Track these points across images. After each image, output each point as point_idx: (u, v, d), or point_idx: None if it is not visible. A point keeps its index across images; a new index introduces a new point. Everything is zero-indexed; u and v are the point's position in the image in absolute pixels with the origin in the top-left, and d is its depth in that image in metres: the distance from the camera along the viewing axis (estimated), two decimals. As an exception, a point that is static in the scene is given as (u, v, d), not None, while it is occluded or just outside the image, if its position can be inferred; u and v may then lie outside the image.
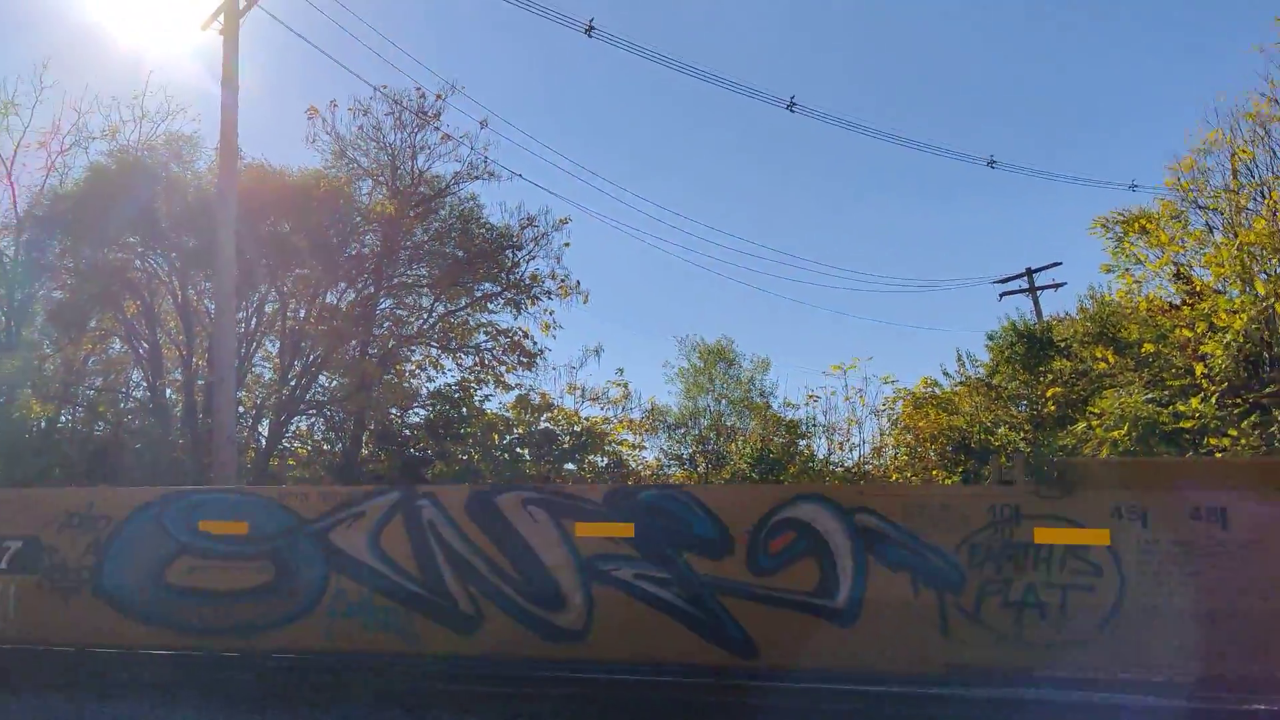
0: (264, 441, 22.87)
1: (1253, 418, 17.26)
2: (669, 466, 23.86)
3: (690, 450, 24.91)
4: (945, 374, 25.59)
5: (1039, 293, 32.56)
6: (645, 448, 23.67)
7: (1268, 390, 18.00)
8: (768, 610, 9.57)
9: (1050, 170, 59.01)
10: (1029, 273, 32.76)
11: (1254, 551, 8.62)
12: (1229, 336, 17.87)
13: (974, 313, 74.79)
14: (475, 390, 23.69)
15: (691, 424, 26.33)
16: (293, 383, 23.04)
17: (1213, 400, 17.54)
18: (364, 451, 23.59)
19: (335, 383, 24.08)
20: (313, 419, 25.08)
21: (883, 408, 22.75)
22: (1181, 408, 17.55)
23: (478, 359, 24.27)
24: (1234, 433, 16.88)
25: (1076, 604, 8.99)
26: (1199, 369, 18.33)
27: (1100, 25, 76.50)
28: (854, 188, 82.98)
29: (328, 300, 23.78)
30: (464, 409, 22.89)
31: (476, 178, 24.16)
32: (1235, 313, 17.85)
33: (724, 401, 28.18)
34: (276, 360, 23.67)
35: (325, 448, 24.34)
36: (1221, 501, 8.77)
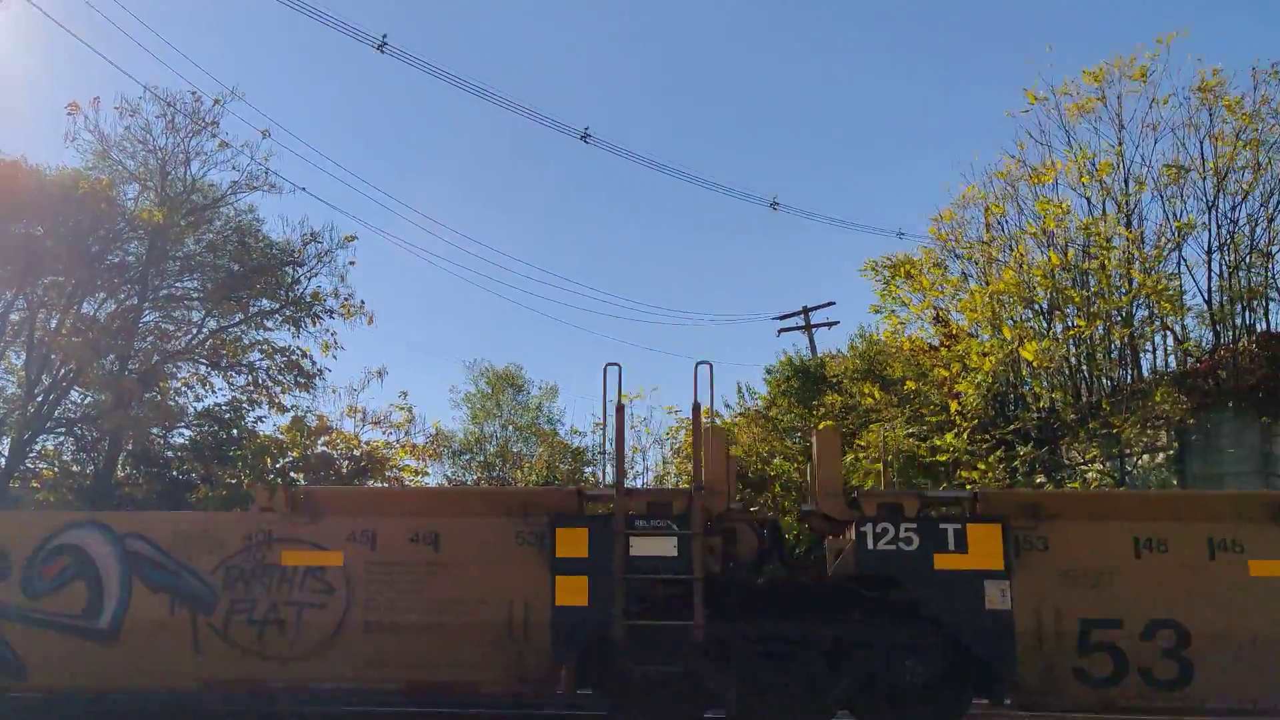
0: (2, 460, 20.85)
1: (998, 452, 18.71)
2: (452, 493, 23.47)
3: (475, 476, 24.57)
4: (726, 406, 26.42)
5: (814, 330, 34.20)
6: (429, 473, 23.17)
7: (1011, 427, 19.60)
8: (37, 632, 9.84)
9: (828, 213, 62.28)
10: (805, 311, 34.35)
11: (459, 570, 9.42)
12: (979, 377, 19.33)
13: (756, 347, 77.74)
14: (247, 411, 22.50)
15: (477, 449, 26.02)
16: (40, 398, 21.14)
17: (964, 435, 18.88)
18: (120, 473, 21.90)
19: (89, 399, 22.27)
20: (62, 438, 23.09)
21: (666, 436, 23.21)
22: (938, 442, 18.81)
23: (251, 378, 23.05)
24: (982, 466, 18.23)
25: (310, 620, 9.64)
26: (953, 406, 19.72)
27: (885, 76, 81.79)
28: (648, 220, 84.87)
29: (84, 310, 22.01)
30: (234, 430, 21.67)
31: (256, 189, 22.99)
32: (985, 355, 19.33)
33: (511, 427, 28.05)
34: (22, 373, 21.67)
35: (75, 469, 22.44)
36: (437, 527, 9.50)
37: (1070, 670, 8.35)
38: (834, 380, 25.35)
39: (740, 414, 25.91)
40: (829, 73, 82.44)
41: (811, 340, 33.40)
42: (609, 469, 23.66)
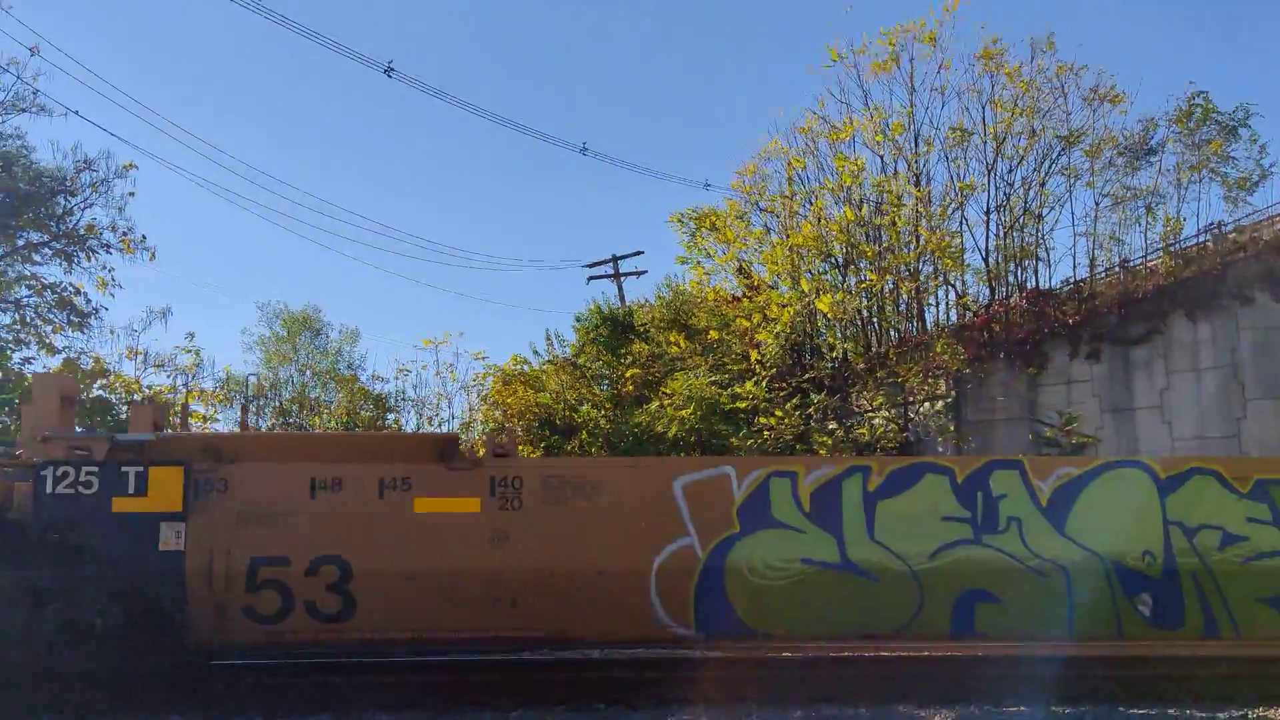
0: None
1: (795, 400, 19.50)
2: (246, 440, 22.45)
3: (270, 422, 23.63)
4: (535, 352, 26.34)
5: (623, 279, 34.54)
6: (219, 420, 22.09)
7: (807, 376, 20.47)
8: None
9: (637, 162, 62.79)
10: (615, 259, 34.61)
11: None
12: (778, 327, 20.04)
13: (565, 294, 77.84)
14: (12, 351, 20.75)
15: (272, 395, 24.99)
16: None
17: (763, 384, 19.56)
18: None
19: None
20: None
21: (473, 383, 22.98)
22: (738, 390, 19.40)
23: (18, 316, 21.27)
24: (779, 413, 18.95)
25: None
26: (754, 355, 20.39)
27: (695, 32, 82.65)
28: (453, 162, 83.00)
29: None
30: (-1, 373, 19.96)
31: (23, 110, 21.13)
32: (784, 306, 20.04)
33: (309, 372, 27.07)
34: None
35: None
36: None
37: (240, 609, 8.59)
38: (641, 329, 25.66)
39: (549, 361, 25.91)
40: (642, 23, 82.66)
41: (620, 289, 33.73)
42: (414, 414, 23.31)
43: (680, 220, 23.84)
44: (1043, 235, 21.14)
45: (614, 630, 9.08)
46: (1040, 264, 21.30)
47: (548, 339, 26.96)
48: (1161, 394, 18.35)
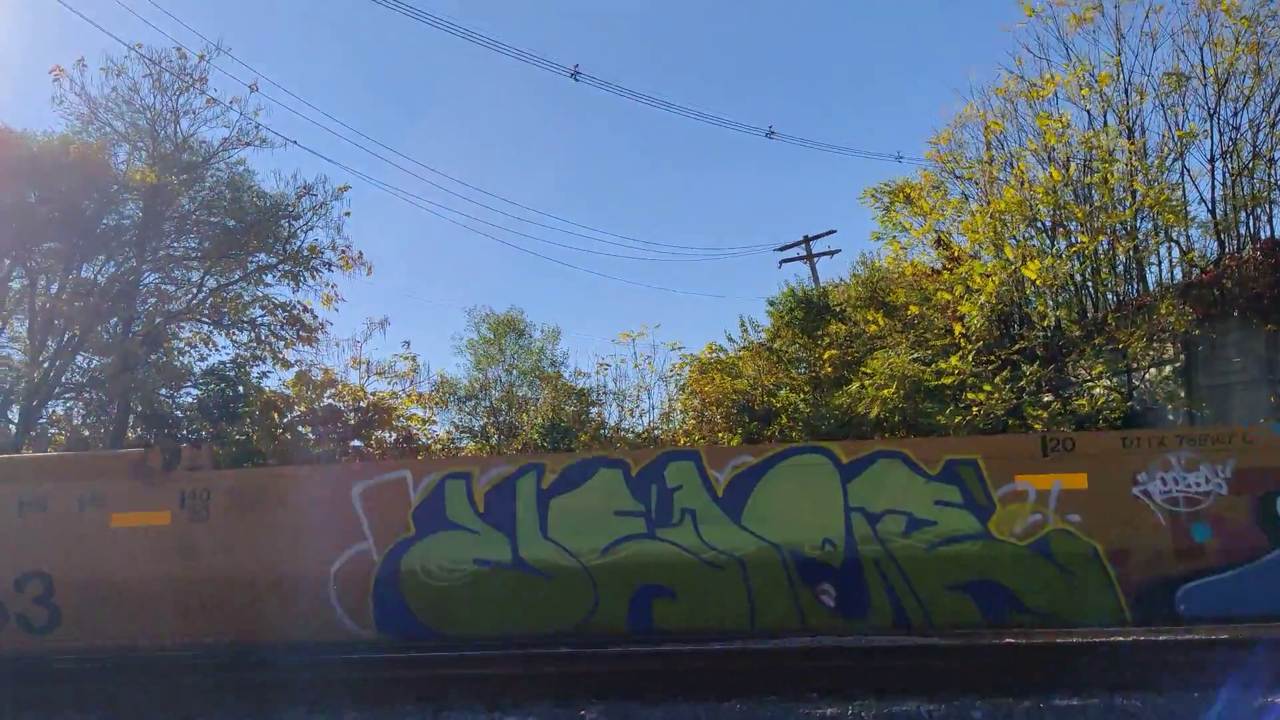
0: (14, 429, 20.97)
1: (1004, 373, 18.65)
2: (460, 439, 23.53)
3: (482, 422, 24.64)
4: (729, 339, 26.42)
5: (816, 259, 34.06)
6: (435, 421, 23.25)
7: (1017, 347, 19.52)
8: None
9: (825, 140, 61.64)
10: (806, 240, 34.17)
11: None
12: (982, 298, 19.19)
13: (757, 280, 77.47)
14: (252, 368, 22.54)
15: (482, 396, 26.04)
16: (46, 364, 21.18)
17: (969, 358, 18.80)
18: (130, 435, 22.02)
19: (95, 363, 22.31)
20: (71, 403, 23.20)
21: (670, 374, 23.21)
22: (942, 365, 18.73)
23: (254, 335, 23.06)
24: (988, 387, 18.17)
25: None
26: (957, 329, 19.62)
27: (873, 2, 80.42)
28: (640, 157, 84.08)
29: (83, 275, 21.95)
30: (240, 387, 21.74)
31: (247, 144, 22.84)
32: (988, 276, 19.17)
33: (515, 372, 28.03)
34: (26, 341, 21.71)
35: (85, 434, 22.57)
36: None
37: None
38: (837, 309, 25.22)
39: (744, 348, 25.86)
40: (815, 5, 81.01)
41: (814, 270, 33.29)
42: (615, 407, 23.77)
43: (874, 195, 23.26)
44: (1276, 180, 19.33)
45: (298, 633, 9.16)
46: (1275, 212, 19.50)
47: (742, 325, 26.94)
48: None
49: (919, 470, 8.93)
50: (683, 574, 8.92)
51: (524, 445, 21.09)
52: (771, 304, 27.70)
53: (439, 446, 22.58)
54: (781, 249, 34.80)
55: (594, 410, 22.57)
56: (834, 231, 34.81)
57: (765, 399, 22.22)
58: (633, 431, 22.54)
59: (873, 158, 62.36)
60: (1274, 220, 19.53)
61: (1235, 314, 18.03)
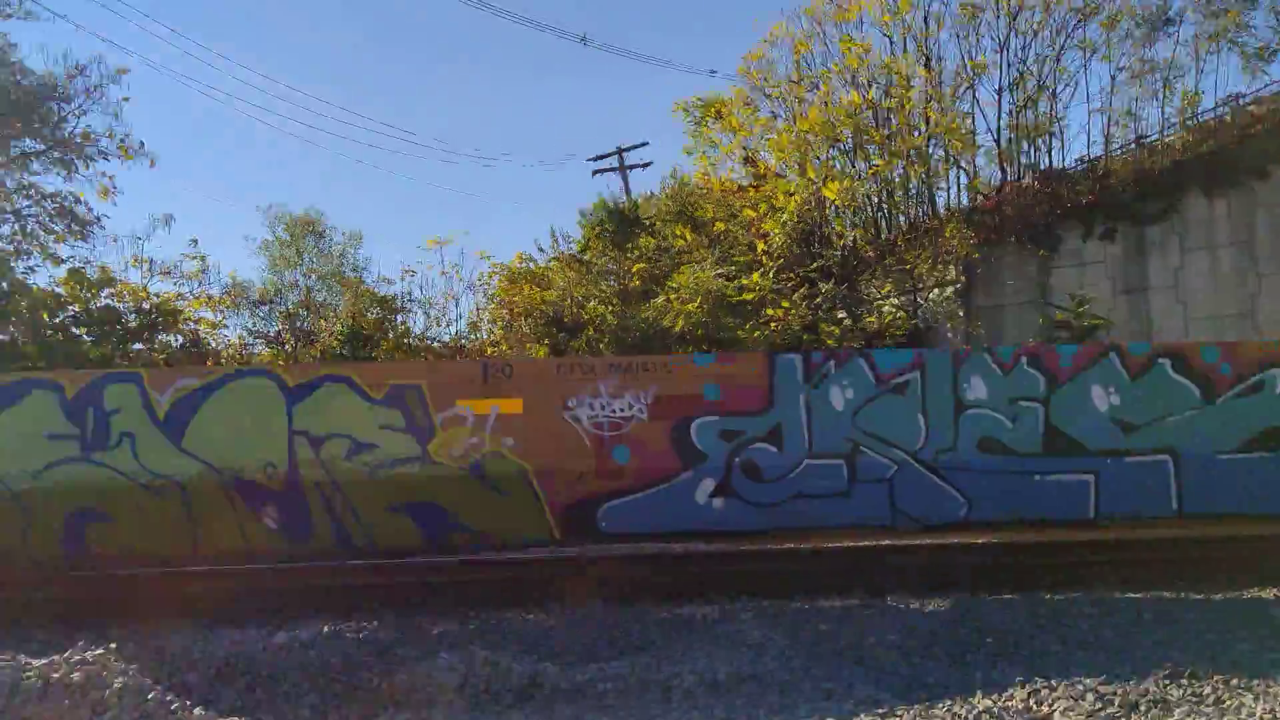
0: None
1: (802, 290, 19.29)
2: (254, 345, 22.44)
3: (278, 328, 23.57)
4: (540, 250, 26.11)
5: (628, 171, 33.95)
6: (226, 326, 22.06)
7: (815, 265, 20.21)
8: None
9: (640, 51, 61.23)
10: (619, 151, 33.96)
11: None
12: (785, 216, 19.70)
13: (571, 191, 76.94)
14: (16, 263, 20.61)
15: (278, 300, 24.87)
16: None
17: (770, 275, 19.32)
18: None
19: None
20: None
21: (479, 283, 22.80)
22: (745, 281, 19.19)
23: (18, 226, 21.07)
24: (786, 304, 18.78)
25: None
26: (760, 246, 20.11)
27: (688, -87, 79.56)
28: (450, 60, 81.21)
29: None
30: (4, 283, 19.86)
31: (10, 16, 20.54)
32: (791, 195, 19.66)
33: (313, 276, 26.90)
34: None
35: None
36: None
37: None
38: (648, 222, 25.34)
39: (555, 258, 25.67)
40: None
41: (626, 182, 33.20)
42: (421, 316, 23.20)
43: (685, 109, 23.33)
44: (1057, 113, 20.58)
45: None
46: (1054, 143, 20.80)
47: (553, 236, 26.69)
48: (1176, 274, 18.09)
49: (364, 395, 9.05)
50: (120, 499, 8.78)
51: (323, 352, 20.33)
52: (583, 215, 27.55)
53: (230, 352, 21.47)
54: (595, 159, 34.52)
55: (399, 318, 21.95)
56: (646, 144, 34.89)
57: (574, 311, 22.20)
58: (439, 341, 22.10)
59: (690, 73, 62.48)
60: (1053, 151, 20.85)
61: (1012, 239, 19.24)
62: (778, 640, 6.71)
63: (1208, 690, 4.95)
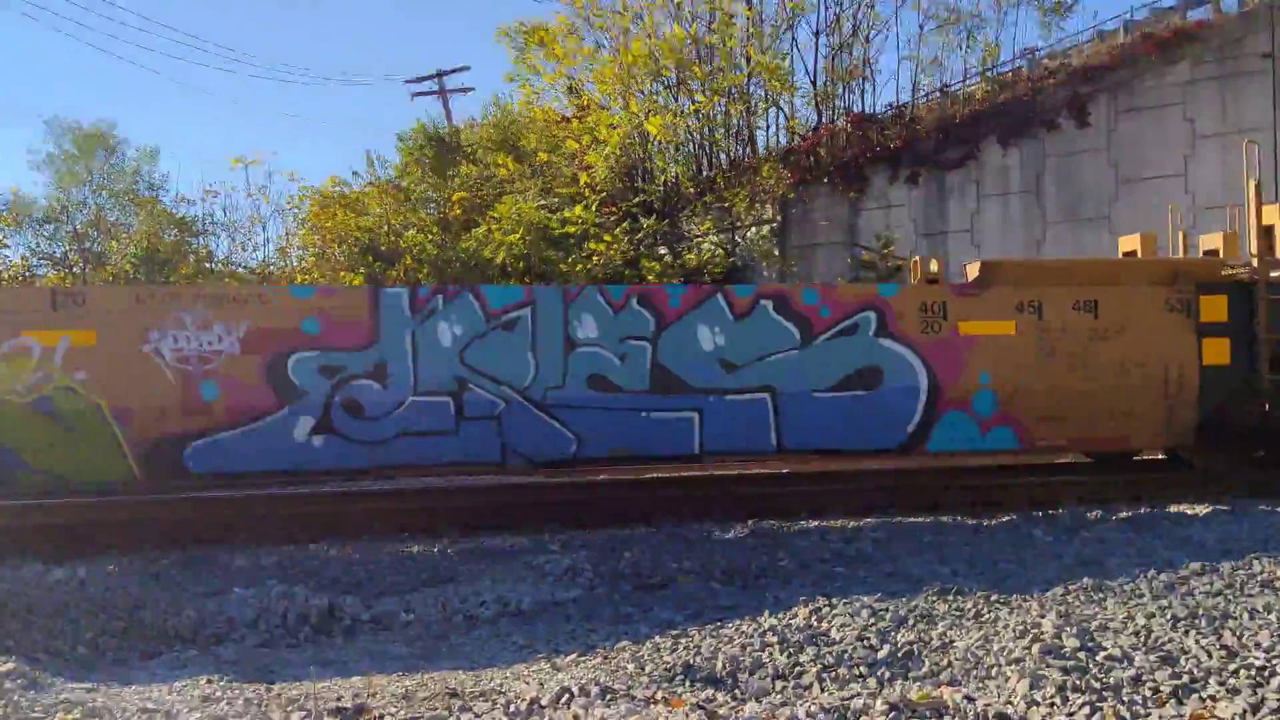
0: None
1: (624, 225, 19.38)
2: (39, 267, 20.83)
3: (64, 248, 21.93)
4: (355, 174, 25.19)
5: (449, 96, 33.02)
6: (7, 245, 20.36)
7: (637, 200, 20.31)
8: None
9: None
10: (440, 75, 32.98)
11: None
12: (608, 149, 19.66)
13: (389, 114, 74.28)
14: None
15: (65, 218, 23.08)
16: None
17: (593, 208, 19.30)
18: None
19: None
20: None
21: (289, 206, 21.82)
22: (567, 214, 19.10)
23: None
24: (609, 238, 18.84)
25: None
26: (583, 178, 20.03)
27: None
28: (267, -34, 76.38)
29: None
30: None
31: None
32: (614, 128, 19.61)
33: (104, 194, 25.06)
34: None
35: None
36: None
37: None
38: (469, 150, 24.80)
39: (371, 184, 24.83)
40: None
41: (446, 107, 32.28)
42: (225, 240, 22.01)
43: (508, 35, 22.81)
44: (869, 58, 21.26)
45: None
46: (866, 88, 21.52)
47: (369, 160, 25.79)
48: (972, 217, 19.14)
49: None
50: None
51: (114, 275, 19.07)
52: (401, 140, 26.69)
53: (12, 273, 19.88)
54: (414, 80, 33.40)
55: (199, 241, 20.80)
56: (468, 68, 33.95)
57: (391, 239, 21.59)
58: (245, 266, 21.12)
59: (516, -5, 60.83)
60: (865, 95, 21.55)
61: (826, 181, 19.87)
62: (585, 569, 6.84)
63: (969, 605, 5.37)
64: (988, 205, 19.02)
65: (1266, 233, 9.79)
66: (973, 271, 9.54)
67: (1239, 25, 17.64)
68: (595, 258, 18.54)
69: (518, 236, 19.10)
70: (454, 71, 32.94)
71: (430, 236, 21.44)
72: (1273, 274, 9.31)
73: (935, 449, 9.15)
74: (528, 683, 4.58)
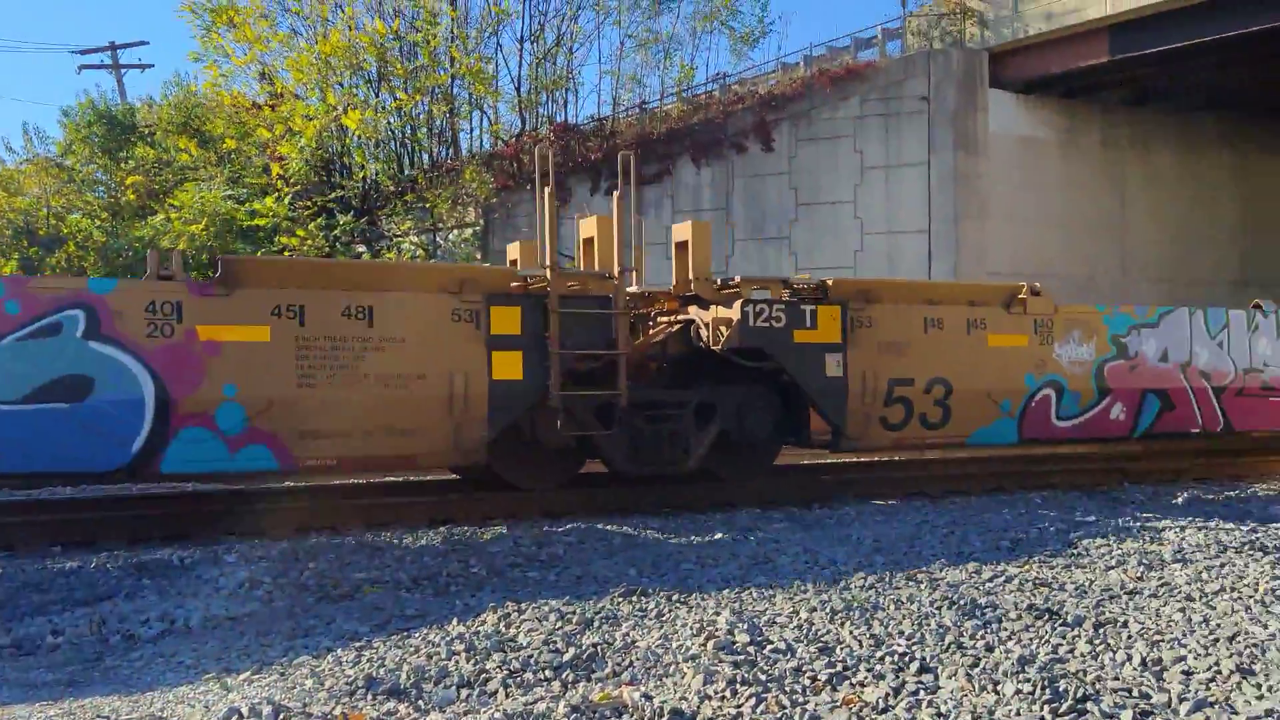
0: None
1: (319, 220, 18.62)
2: None
3: None
4: (9, 149, 22.66)
5: (124, 71, 30.41)
6: None
7: (334, 195, 19.58)
8: None
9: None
10: (113, 47, 30.27)
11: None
12: (303, 141, 18.81)
13: (50, 84, 67.19)
14: None
15: None
16: None
17: (286, 201, 18.40)
18: None
19: None
20: None
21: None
22: (257, 206, 18.09)
23: None
24: (302, 233, 18.02)
25: None
26: (275, 170, 19.05)
27: None
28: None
29: None
30: None
31: None
32: (310, 119, 18.80)
33: None
34: None
35: None
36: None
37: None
38: (146, 131, 22.97)
39: (28, 160, 22.38)
40: None
41: (120, 83, 29.80)
42: None
43: (194, 11, 21.18)
44: (573, 69, 21.71)
45: None
46: (570, 99, 21.96)
47: (25, 135, 23.25)
48: (667, 232, 19.95)
49: None
50: None
51: None
52: (66, 115, 24.31)
53: None
54: (82, 52, 30.45)
55: None
56: (147, 43, 31.47)
57: (51, 222, 19.54)
58: None
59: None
60: (568, 106, 21.99)
61: (529, 187, 20.03)
62: (264, 581, 6.47)
63: (652, 605, 5.58)
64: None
65: (587, 245, 10.12)
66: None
67: (901, 69, 19.57)
68: (287, 253, 17.68)
69: (201, 227, 17.89)
70: (130, 45, 30.47)
71: (99, 222, 19.63)
72: (569, 285, 8.95)
73: (172, 470, 7.70)
74: (193, 706, 4.26)
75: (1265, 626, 4.87)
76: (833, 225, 19.43)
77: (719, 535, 7.90)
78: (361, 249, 19.50)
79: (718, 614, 5.28)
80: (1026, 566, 6.56)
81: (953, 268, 18.72)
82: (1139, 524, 8.16)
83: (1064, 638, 4.76)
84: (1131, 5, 17.03)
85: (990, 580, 6.11)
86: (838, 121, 19.61)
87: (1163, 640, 4.69)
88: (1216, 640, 4.67)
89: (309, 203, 19.01)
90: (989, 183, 19.18)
